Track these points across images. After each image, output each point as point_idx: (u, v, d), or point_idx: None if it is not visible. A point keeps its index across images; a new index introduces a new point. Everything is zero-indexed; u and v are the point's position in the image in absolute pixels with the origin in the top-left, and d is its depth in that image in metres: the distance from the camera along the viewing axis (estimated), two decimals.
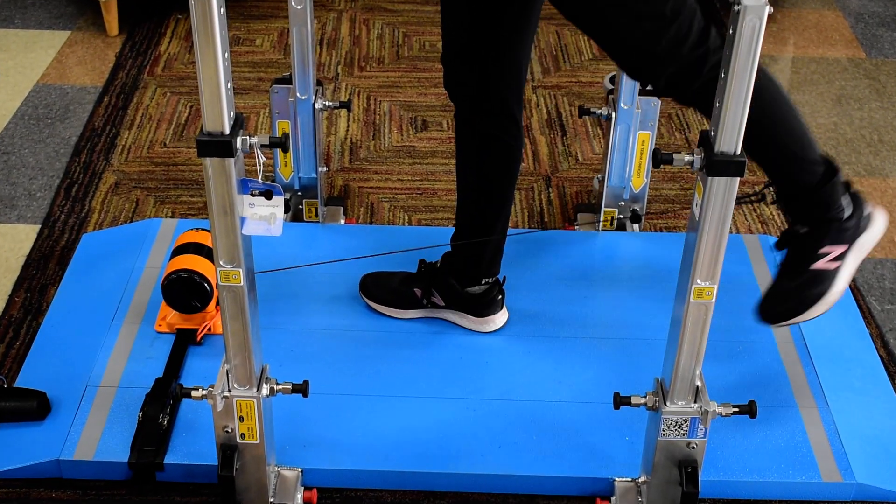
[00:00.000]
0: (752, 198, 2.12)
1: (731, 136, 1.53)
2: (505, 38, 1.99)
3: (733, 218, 2.75)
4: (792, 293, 2.07)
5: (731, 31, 1.47)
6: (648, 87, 2.23)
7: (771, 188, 2.03)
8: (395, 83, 3.45)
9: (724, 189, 1.57)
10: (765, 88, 1.84)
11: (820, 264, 2.04)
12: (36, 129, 3.16)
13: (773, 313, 2.09)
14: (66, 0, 3.90)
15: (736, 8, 1.44)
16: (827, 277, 2.05)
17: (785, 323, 2.09)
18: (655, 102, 2.51)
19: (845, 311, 2.43)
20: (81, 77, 3.45)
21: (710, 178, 1.56)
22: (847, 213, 2.00)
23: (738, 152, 1.54)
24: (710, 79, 1.75)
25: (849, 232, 2.02)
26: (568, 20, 1.89)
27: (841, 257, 2.04)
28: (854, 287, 2.59)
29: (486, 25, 1.97)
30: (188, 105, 3.28)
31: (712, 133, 1.56)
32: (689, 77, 1.83)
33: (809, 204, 1.99)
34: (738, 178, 1.57)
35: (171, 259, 2.25)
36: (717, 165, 1.55)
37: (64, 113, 3.25)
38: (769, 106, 1.88)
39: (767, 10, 1.43)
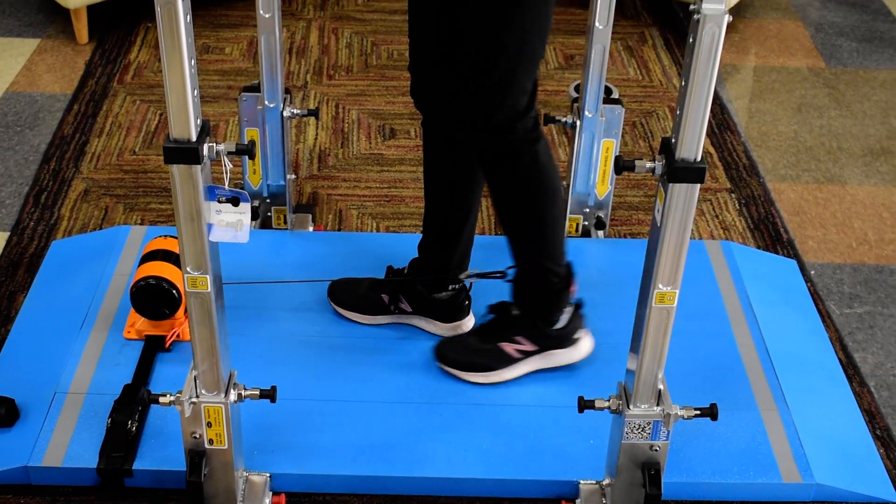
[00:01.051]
0: (496, 275, 2.23)
1: (692, 144, 1.54)
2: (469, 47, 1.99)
3: (695, 224, 2.78)
4: (470, 351, 2.19)
5: (691, 40, 1.48)
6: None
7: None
8: (363, 91, 3.45)
9: (685, 195, 1.58)
10: (557, 192, 2.03)
11: (507, 346, 2.17)
12: (5, 137, 3.14)
13: (446, 356, 2.21)
14: (36, 8, 3.87)
15: (696, 17, 1.45)
16: (504, 359, 2.18)
17: (452, 371, 2.20)
18: (619, 111, 2.52)
19: (805, 316, 2.45)
20: (51, 85, 3.43)
21: (671, 184, 1.57)
22: (559, 325, 2.15)
23: (699, 159, 1.55)
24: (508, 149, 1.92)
25: (547, 339, 2.16)
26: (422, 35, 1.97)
27: (525, 354, 2.18)
28: (814, 292, 2.61)
29: (454, 36, 1.97)
30: (157, 113, 3.26)
31: (673, 140, 1.56)
32: (483, 135, 1.94)
33: (535, 299, 2.13)
34: (699, 185, 1.57)
35: (139, 266, 2.23)
36: (678, 172, 1.55)
37: (33, 120, 3.22)
38: (552, 208, 2.04)
39: (726, 18, 1.44)
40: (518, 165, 1.97)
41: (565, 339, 2.20)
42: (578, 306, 2.20)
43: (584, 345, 2.22)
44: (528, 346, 2.17)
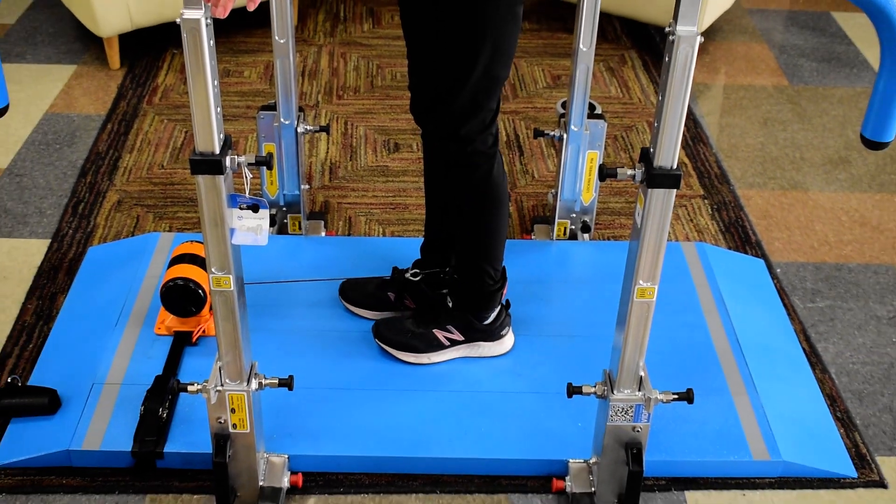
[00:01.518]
0: (442, 275, 2.26)
1: (668, 153, 1.55)
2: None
3: (672, 227, 2.78)
4: (405, 333, 2.21)
5: (666, 59, 1.49)
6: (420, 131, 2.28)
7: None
8: (369, 110, 3.45)
9: (663, 200, 1.59)
10: (503, 205, 2.05)
11: (438, 333, 2.19)
12: (46, 154, 3.14)
13: (382, 334, 2.23)
14: (73, 37, 3.88)
15: (671, 38, 1.46)
16: (433, 344, 2.20)
17: (383, 346, 2.22)
18: (602, 125, 2.53)
19: (772, 309, 2.46)
20: (87, 106, 3.43)
21: (650, 189, 1.58)
22: (488, 321, 2.17)
23: (675, 167, 1.56)
24: (465, 158, 1.95)
25: (476, 332, 2.19)
26: (414, 45, 1.97)
27: (452, 342, 2.20)
28: (780, 288, 2.61)
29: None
30: (183, 131, 3.27)
31: (651, 150, 1.57)
32: (458, 143, 1.94)
33: (470, 294, 2.15)
34: (675, 190, 1.58)
35: (168, 268, 2.24)
36: (656, 178, 1.56)
37: (71, 139, 3.23)
38: (497, 217, 2.06)
39: (698, 39, 1.45)
40: (474, 175, 1.99)
41: (492, 334, 2.22)
42: (507, 306, 2.24)
43: (507, 341, 2.26)
44: (457, 336, 2.20)
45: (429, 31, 1.86)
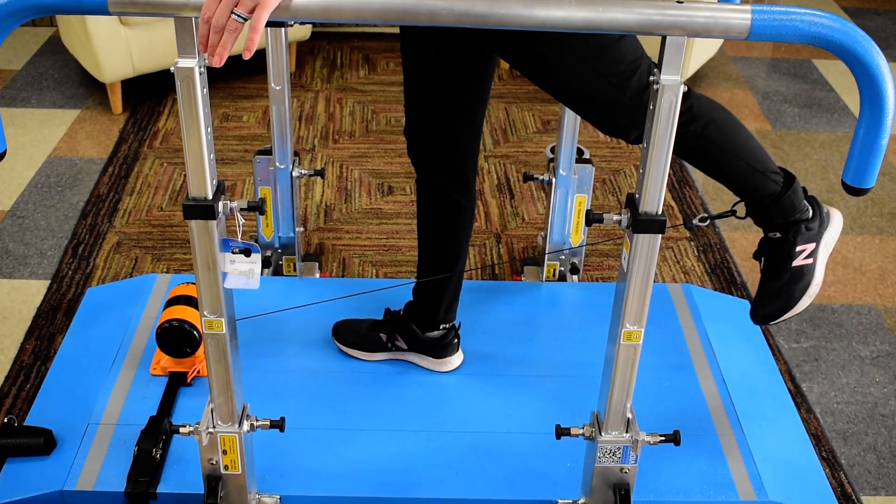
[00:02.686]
0: (727, 213, 2.05)
1: (654, 198, 1.52)
2: (462, 114, 1.99)
3: (659, 269, 2.76)
4: (780, 291, 2.03)
5: (651, 107, 1.47)
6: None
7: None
8: (364, 154, 3.44)
9: (648, 244, 1.56)
10: (724, 119, 1.87)
11: (798, 262, 2.02)
12: (48, 196, 3.12)
13: (766, 314, 2.05)
14: (77, 83, 3.87)
15: (655, 87, 1.44)
16: (807, 272, 2.03)
17: (779, 320, 2.05)
18: (590, 169, 2.51)
19: (757, 349, 2.43)
20: (89, 150, 3.41)
21: (635, 234, 1.55)
22: (809, 214, 1.99)
23: (660, 212, 1.53)
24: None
25: (814, 231, 2.02)
26: (546, 92, 1.86)
27: (813, 253, 2.03)
28: (765, 328, 2.59)
29: (447, 104, 1.97)
30: (182, 174, 3.25)
31: (637, 196, 1.55)
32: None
33: (777, 211, 1.97)
34: (661, 235, 1.56)
35: (164, 310, 2.21)
36: (642, 224, 1.54)
37: (73, 181, 3.21)
38: (731, 133, 1.89)
39: (682, 88, 1.43)
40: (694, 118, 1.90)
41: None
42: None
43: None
44: (810, 246, 2.04)
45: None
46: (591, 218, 1.59)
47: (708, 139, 1.84)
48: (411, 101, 2.03)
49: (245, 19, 1.31)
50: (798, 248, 2.01)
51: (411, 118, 2.05)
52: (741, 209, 2.01)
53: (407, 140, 2.10)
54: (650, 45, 1.57)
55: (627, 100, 1.75)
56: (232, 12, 1.30)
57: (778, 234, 2.00)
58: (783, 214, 1.97)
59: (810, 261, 2.03)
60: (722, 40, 4.13)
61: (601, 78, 1.74)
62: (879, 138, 1.45)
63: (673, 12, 1.37)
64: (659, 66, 1.43)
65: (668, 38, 1.40)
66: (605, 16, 1.36)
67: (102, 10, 1.36)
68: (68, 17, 3.56)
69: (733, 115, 1.92)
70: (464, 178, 2.09)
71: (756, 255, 2.06)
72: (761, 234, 2.01)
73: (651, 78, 1.45)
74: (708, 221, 1.96)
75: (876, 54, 1.38)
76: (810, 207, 2.00)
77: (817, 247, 2.02)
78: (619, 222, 1.57)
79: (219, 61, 1.33)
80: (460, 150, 2.05)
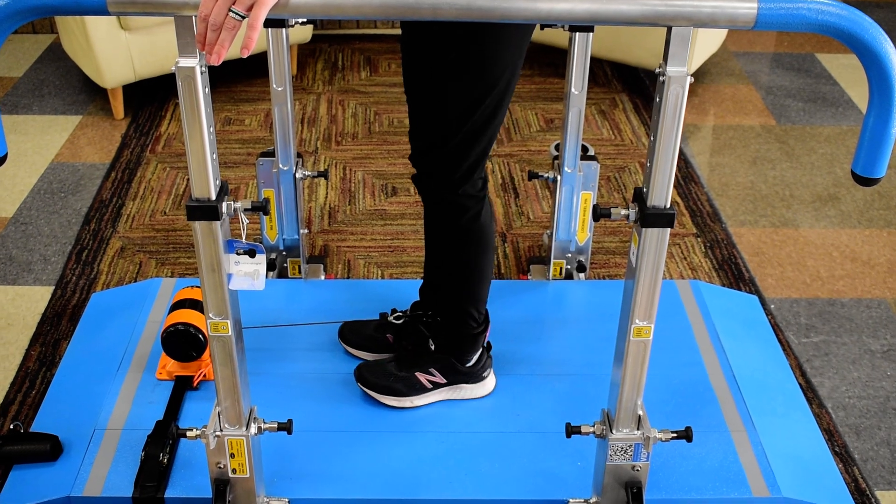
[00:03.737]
0: (425, 318, 2.18)
1: (661, 192, 1.51)
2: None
3: (666, 265, 2.74)
4: (388, 376, 2.14)
5: (658, 99, 1.45)
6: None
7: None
8: (367, 155, 3.43)
9: (657, 239, 1.55)
10: (489, 248, 2.01)
11: (421, 376, 2.13)
12: (51, 202, 3.11)
13: (365, 378, 2.16)
14: (78, 89, 3.86)
15: (661, 79, 1.42)
16: (416, 388, 2.14)
17: (370, 392, 2.15)
18: (595, 166, 2.50)
19: (767, 345, 2.41)
20: (91, 155, 3.40)
21: (644, 229, 1.54)
22: (470, 363, 2.12)
23: (668, 206, 1.52)
24: (454, 201, 1.92)
25: (458, 375, 2.14)
26: (412, 93, 1.90)
27: (437, 385, 2.15)
28: (774, 324, 2.57)
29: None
30: (185, 178, 3.24)
31: (644, 190, 1.53)
32: (448, 185, 1.90)
33: (453, 337, 2.09)
34: (669, 229, 1.54)
35: (169, 314, 2.20)
36: (650, 218, 1.52)
37: (76, 187, 3.20)
38: (483, 261, 2.01)
39: (688, 80, 1.42)
40: (463, 218, 1.94)
41: (473, 376, 2.16)
42: (489, 348, 2.18)
43: (489, 382, 2.20)
44: (439, 379, 2.13)
45: (427, 75, 1.83)
46: (599, 213, 1.57)
47: (464, 242, 1.98)
48: (414, 105, 2.02)
49: (243, 17, 1.30)
50: (431, 370, 2.14)
51: (415, 121, 2.03)
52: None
53: (411, 143, 2.08)
54: (656, 37, 1.55)
55: (463, 163, 1.84)
56: (230, 10, 1.29)
57: (434, 346, 2.13)
58: (452, 343, 2.11)
59: (427, 385, 2.14)
60: (724, 35, 4.11)
61: (462, 134, 1.81)
62: (889, 127, 1.43)
63: (678, 2, 1.35)
64: (665, 57, 1.41)
65: (673, 28, 1.38)
66: (609, 7, 1.34)
67: (102, 11, 1.35)
68: (69, 24, 3.55)
69: (490, 249, 2.02)
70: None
71: (408, 340, 2.20)
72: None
73: (660, 74, 1.43)
74: (401, 321, 2.23)
75: (885, 42, 1.36)
76: (478, 361, 2.13)
77: (442, 387, 2.15)
78: (628, 217, 1.55)
79: (217, 59, 1.32)
80: (463, 153, 2.03)
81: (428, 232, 2.19)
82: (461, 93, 1.78)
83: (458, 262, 2.03)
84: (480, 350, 2.14)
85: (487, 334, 2.15)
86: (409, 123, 2.03)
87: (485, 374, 2.18)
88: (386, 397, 2.14)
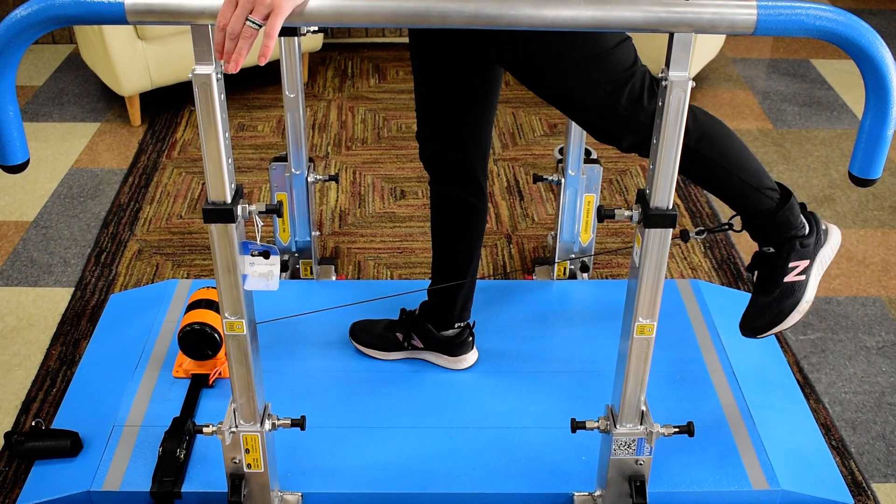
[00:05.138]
0: (723, 226, 2.01)
1: (664, 193, 1.51)
2: (472, 118, 1.97)
3: (667, 265, 2.74)
4: (769, 306, 1.98)
5: (660, 103, 1.45)
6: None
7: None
8: (377, 159, 3.42)
9: (660, 239, 1.54)
10: (718, 133, 1.82)
11: (790, 278, 1.97)
12: (70, 206, 3.11)
13: (754, 327, 2.00)
14: (97, 97, 3.87)
15: (664, 83, 1.42)
16: (798, 289, 1.98)
17: (766, 334, 1.99)
18: (598, 169, 2.49)
19: (765, 342, 2.40)
20: (109, 161, 3.41)
21: (646, 229, 1.53)
22: (805, 230, 1.94)
23: (671, 207, 1.51)
24: None
25: (809, 248, 1.97)
26: (541, 98, 1.83)
27: (806, 270, 1.98)
28: None
29: (458, 108, 1.96)
30: (200, 182, 3.24)
31: (647, 191, 1.53)
32: (649, 130, 1.74)
33: (772, 227, 1.92)
34: (671, 230, 1.53)
35: (185, 314, 2.19)
36: (653, 219, 1.52)
37: (94, 192, 3.20)
38: (725, 148, 1.84)
39: (690, 84, 1.41)
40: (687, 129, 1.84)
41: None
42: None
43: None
44: (803, 263, 1.98)
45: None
46: (604, 214, 1.57)
47: (700, 153, 1.79)
48: (422, 107, 2.02)
49: (260, 26, 1.29)
50: (791, 265, 1.97)
51: (422, 123, 2.03)
52: (738, 223, 1.96)
53: (419, 144, 2.08)
54: (657, 43, 1.55)
55: (621, 108, 1.71)
56: (247, 19, 1.29)
57: (772, 249, 1.95)
58: (778, 230, 1.93)
59: (802, 277, 1.98)
60: (723, 41, 4.10)
61: (595, 85, 1.70)
62: (885, 129, 1.43)
63: (680, 9, 1.35)
64: (667, 62, 1.41)
65: (675, 34, 1.38)
66: (613, 14, 1.34)
67: (121, 20, 1.34)
68: (87, 34, 3.55)
69: (730, 130, 1.86)
70: (475, 180, 2.07)
71: (749, 268, 2.02)
72: None
73: (645, 84, 1.42)
74: (705, 234, 1.91)
75: (881, 46, 1.35)
76: (807, 224, 1.95)
77: (811, 264, 1.97)
78: (631, 218, 1.55)
79: (234, 67, 1.31)
80: (470, 153, 2.04)
81: (436, 234, 2.18)
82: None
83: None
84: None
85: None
86: (419, 126, 2.03)
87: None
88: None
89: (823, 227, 1.97)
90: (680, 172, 1.87)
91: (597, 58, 1.68)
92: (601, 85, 1.69)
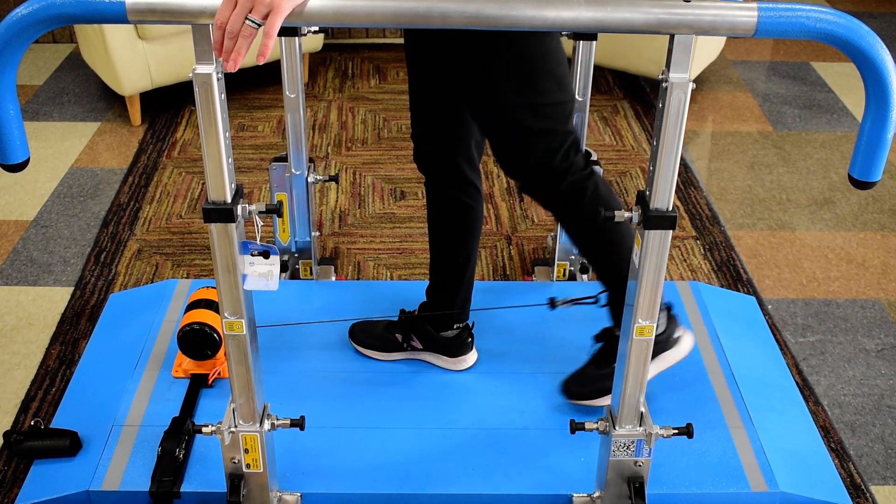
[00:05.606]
0: (587, 299, 2.15)
1: (664, 195, 1.50)
2: (465, 119, 1.97)
3: (667, 267, 2.74)
4: (593, 379, 2.10)
5: (660, 105, 1.45)
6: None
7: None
8: (376, 160, 3.42)
9: (660, 240, 1.54)
10: (618, 230, 1.93)
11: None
12: (70, 206, 3.11)
13: (573, 392, 2.12)
14: (97, 96, 3.87)
15: (664, 85, 1.42)
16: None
17: (584, 402, 2.10)
18: (598, 170, 2.48)
19: (765, 344, 2.40)
20: (109, 161, 3.40)
21: (647, 231, 1.53)
22: (659, 330, 2.03)
23: (670, 208, 1.51)
24: (567, 192, 1.84)
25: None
26: (469, 112, 1.89)
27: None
28: (771, 324, 2.56)
29: (451, 109, 1.96)
30: (200, 182, 3.24)
31: (647, 192, 1.53)
32: (549, 183, 1.85)
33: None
34: (671, 231, 1.53)
35: (185, 314, 2.19)
36: (653, 220, 1.52)
37: (94, 191, 3.20)
38: (621, 240, 1.94)
39: (691, 86, 1.41)
40: (582, 201, 1.89)
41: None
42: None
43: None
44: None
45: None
46: (604, 215, 1.57)
47: (586, 215, 1.89)
48: (416, 108, 2.02)
49: (259, 25, 1.29)
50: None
51: (416, 124, 2.04)
52: (603, 298, 2.03)
53: (414, 145, 2.08)
54: (658, 45, 1.55)
55: (532, 158, 1.80)
56: (246, 18, 1.29)
57: (618, 333, 2.00)
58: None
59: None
60: (723, 43, 4.10)
61: (522, 122, 1.77)
62: (885, 132, 1.43)
63: (681, 11, 1.35)
64: (668, 64, 1.41)
65: (676, 36, 1.38)
66: (613, 16, 1.34)
67: (122, 19, 1.34)
68: (88, 33, 3.55)
69: (627, 227, 1.89)
70: (469, 181, 2.08)
71: (595, 338, 2.11)
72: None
73: (663, 80, 1.43)
74: (571, 305, 2.12)
75: (881, 49, 1.35)
76: (665, 324, 2.03)
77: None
78: (631, 219, 1.55)
79: (233, 66, 1.31)
80: (464, 154, 2.04)
81: (433, 234, 2.18)
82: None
83: (597, 244, 1.98)
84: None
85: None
86: (413, 127, 2.04)
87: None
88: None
89: (677, 335, 2.06)
90: (570, 234, 1.97)
91: (539, 105, 1.76)
92: (529, 130, 1.78)
